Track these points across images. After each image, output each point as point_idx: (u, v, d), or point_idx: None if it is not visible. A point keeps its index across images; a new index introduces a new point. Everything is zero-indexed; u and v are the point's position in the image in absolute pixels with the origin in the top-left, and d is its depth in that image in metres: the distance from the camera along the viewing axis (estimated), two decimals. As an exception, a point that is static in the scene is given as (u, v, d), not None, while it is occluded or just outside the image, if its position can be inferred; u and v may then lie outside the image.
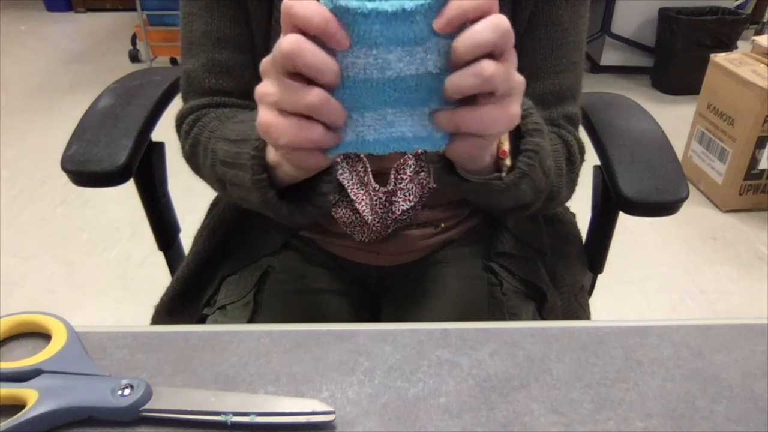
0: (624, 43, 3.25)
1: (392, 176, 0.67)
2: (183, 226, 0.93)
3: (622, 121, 0.82)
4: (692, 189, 2.27)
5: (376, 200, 0.68)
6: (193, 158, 0.68)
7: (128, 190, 0.81)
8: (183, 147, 0.69)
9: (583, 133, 0.79)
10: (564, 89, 0.69)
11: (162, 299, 0.78)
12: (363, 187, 0.68)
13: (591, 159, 0.79)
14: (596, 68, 3.36)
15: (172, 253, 0.93)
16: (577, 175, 0.69)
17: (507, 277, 0.73)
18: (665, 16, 3.07)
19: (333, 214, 0.70)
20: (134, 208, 0.87)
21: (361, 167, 0.67)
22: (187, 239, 0.86)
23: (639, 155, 0.76)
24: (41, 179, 2.33)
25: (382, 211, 0.69)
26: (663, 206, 0.72)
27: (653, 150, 0.77)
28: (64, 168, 0.72)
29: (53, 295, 1.78)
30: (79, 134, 0.76)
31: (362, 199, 0.68)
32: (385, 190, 0.68)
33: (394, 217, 0.69)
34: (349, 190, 0.68)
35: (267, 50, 0.66)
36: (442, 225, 0.74)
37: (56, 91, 3.16)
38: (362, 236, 0.71)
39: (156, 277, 0.90)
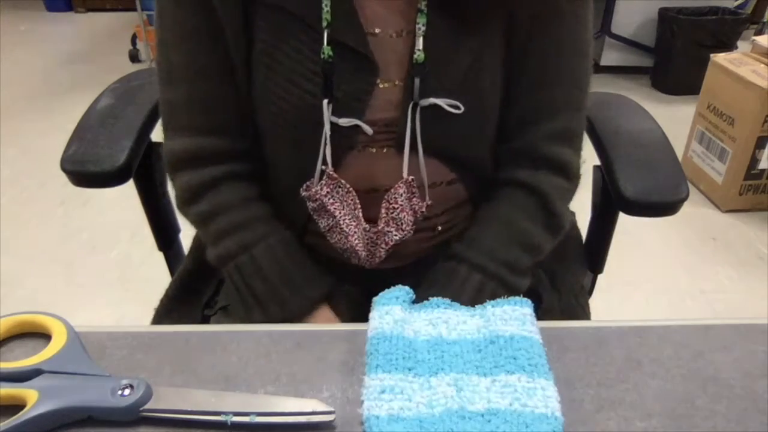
0: (624, 43, 3.25)
1: (383, 210, 0.66)
2: (183, 226, 0.93)
3: (622, 121, 0.82)
4: (692, 189, 2.27)
5: (367, 239, 0.68)
6: (203, 221, 0.68)
7: (128, 190, 0.81)
8: (183, 186, 0.68)
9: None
10: (553, 101, 0.67)
11: (162, 300, 0.78)
12: (355, 220, 0.67)
13: (591, 159, 0.79)
14: (596, 68, 3.32)
15: (172, 254, 0.93)
16: (558, 215, 0.69)
17: None
18: (665, 16, 3.07)
19: (328, 239, 0.69)
20: (134, 208, 0.87)
21: (351, 200, 0.66)
22: (186, 239, 0.86)
23: (639, 155, 0.76)
24: (41, 179, 2.33)
25: (373, 248, 0.68)
26: (663, 206, 0.72)
27: (653, 150, 0.77)
28: (63, 168, 0.72)
29: (53, 295, 1.78)
30: (78, 134, 0.76)
31: (354, 232, 0.67)
32: (377, 229, 0.67)
33: (386, 248, 0.68)
34: (341, 221, 0.66)
35: (249, 84, 0.65)
36: (439, 228, 0.74)
37: (56, 91, 3.16)
38: (358, 261, 0.70)
39: (156, 278, 0.90)
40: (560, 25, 0.65)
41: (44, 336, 0.49)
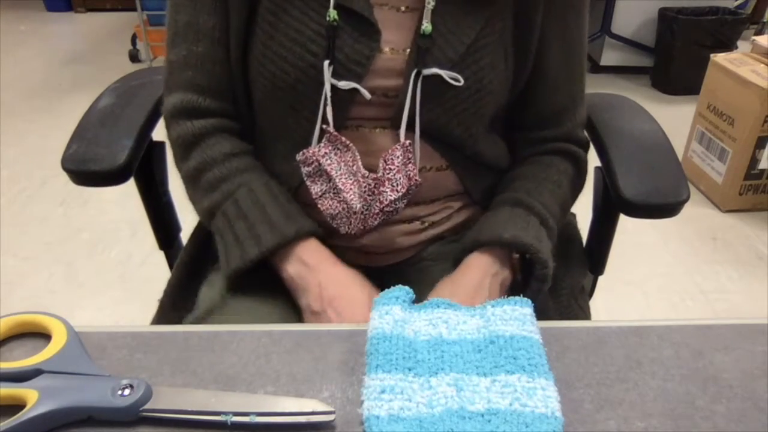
0: (624, 43, 3.25)
1: (381, 165, 0.68)
2: (183, 225, 0.93)
3: (622, 122, 0.82)
4: (692, 189, 2.27)
5: (365, 186, 0.68)
6: (192, 178, 0.71)
7: (128, 189, 0.81)
8: (176, 140, 0.72)
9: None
10: (578, 93, 0.76)
11: (165, 291, 0.78)
12: (351, 177, 0.69)
13: (591, 160, 0.79)
14: (596, 68, 3.35)
15: (173, 253, 0.93)
16: (583, 184, 0.80)
17: None
18: (665, 16, 3.07)
19: (319, 206, 0.70)
20: (134, 208, 0.87)
21: (350, 156, 0.68)
22: (187, 239, 0.86)
23: (639, 156, 0.76)
24: (41, 179, 2.33)
25: (370, 198, 0.69)
26: (663, 208, 0.72)
27: (654, 151, 0.77)
28: (64, 167, 0.72)
29: (53, 295, 1.78)
30: (79, 134, 0.76)
31: (350, 188, 0.69)
32: (375, 176, 0.68)
33: (381, 207, 0.69)
34: (337, 180, 0.68)
35: (246, 46, 0.68)
36: (428, 221, 0.74)
37: (56, 91, 3.16)
38: (348, 228, 0.71)
39: (156, 277, 0.90)
40: (573, 18, 0.71)
41: (44, 336, 0.49)
